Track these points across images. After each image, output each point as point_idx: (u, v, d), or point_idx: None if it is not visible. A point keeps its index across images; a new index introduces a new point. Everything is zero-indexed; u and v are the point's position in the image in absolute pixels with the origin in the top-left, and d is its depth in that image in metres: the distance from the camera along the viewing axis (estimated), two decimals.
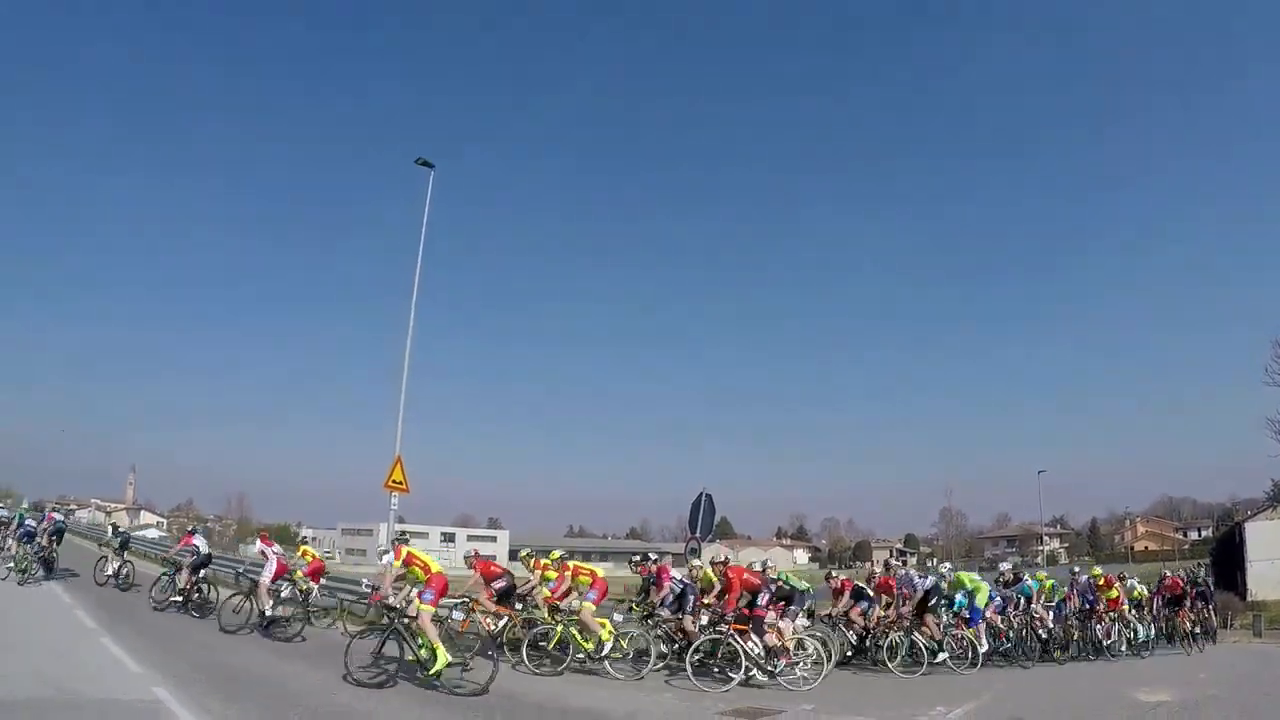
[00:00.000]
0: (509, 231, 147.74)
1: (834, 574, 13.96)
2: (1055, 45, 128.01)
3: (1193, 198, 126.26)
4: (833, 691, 9.68)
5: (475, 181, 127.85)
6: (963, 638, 12.26)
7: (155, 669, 8.63)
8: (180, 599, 13.84)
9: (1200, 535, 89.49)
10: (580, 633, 10.33)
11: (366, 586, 12.83)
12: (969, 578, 13.02)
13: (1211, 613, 17.87)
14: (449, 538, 76.02)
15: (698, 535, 15.06)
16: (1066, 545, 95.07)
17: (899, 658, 11.53)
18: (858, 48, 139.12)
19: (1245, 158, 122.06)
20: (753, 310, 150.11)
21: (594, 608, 10.58)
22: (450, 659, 8.66)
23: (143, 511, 50.96)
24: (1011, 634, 13.19)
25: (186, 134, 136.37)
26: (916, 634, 11.70)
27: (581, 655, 10.29)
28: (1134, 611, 15.45)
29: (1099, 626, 14.35)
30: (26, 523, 17.79)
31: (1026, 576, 15.11)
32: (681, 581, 11.17)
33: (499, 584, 11.27)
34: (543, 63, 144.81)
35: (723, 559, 11.38)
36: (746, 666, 9.61)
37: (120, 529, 23.07)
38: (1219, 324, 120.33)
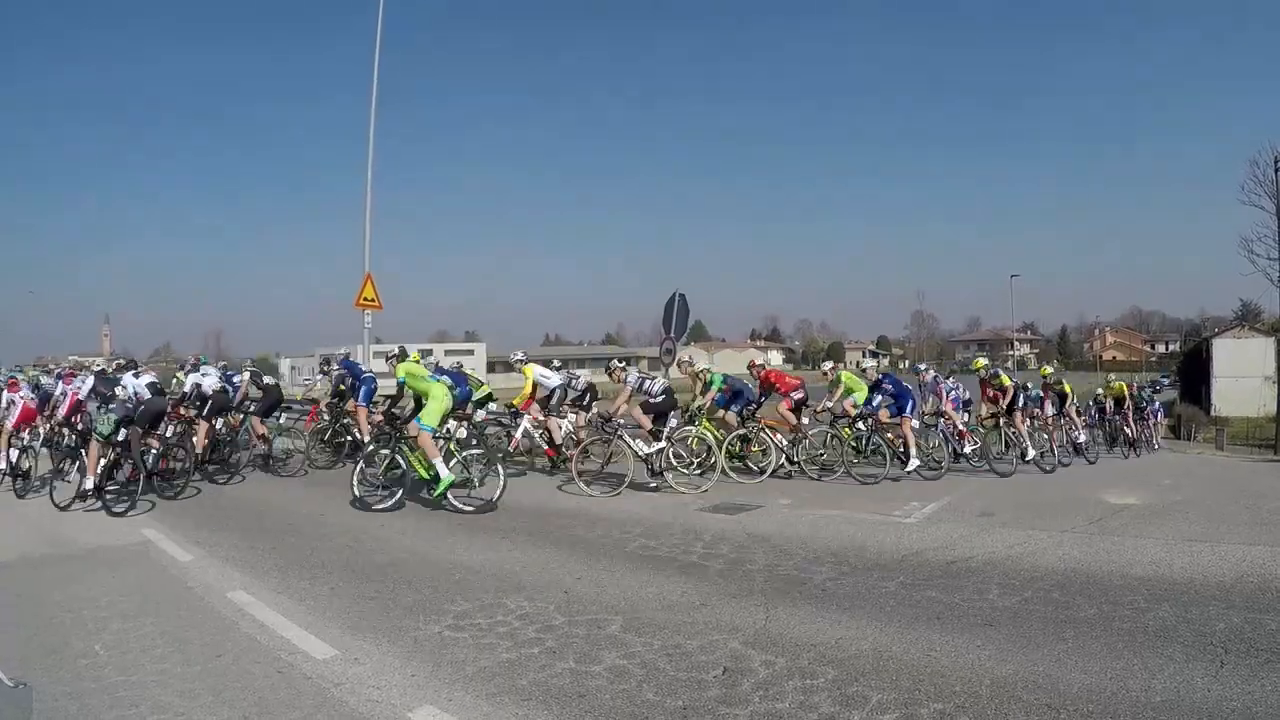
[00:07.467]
0: (473, 29, 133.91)
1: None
2: None
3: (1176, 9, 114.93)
4: (806, 489, 9.98)
5: None
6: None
7: (142, 511, 8.72)
8: None
9: (1168, 349, 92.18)
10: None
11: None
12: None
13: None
14: (426, 353, 76.50)
15: (672, 336, 14.56)
16: (1036, 351, 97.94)
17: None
18: None
19: None
20: (727, 119, 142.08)
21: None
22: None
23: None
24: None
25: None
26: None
27: None
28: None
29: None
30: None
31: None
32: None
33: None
34: None
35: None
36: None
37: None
38: (1200, 140, 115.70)
